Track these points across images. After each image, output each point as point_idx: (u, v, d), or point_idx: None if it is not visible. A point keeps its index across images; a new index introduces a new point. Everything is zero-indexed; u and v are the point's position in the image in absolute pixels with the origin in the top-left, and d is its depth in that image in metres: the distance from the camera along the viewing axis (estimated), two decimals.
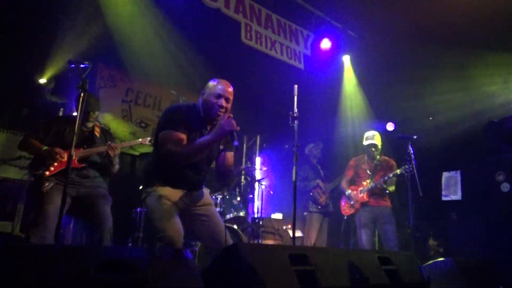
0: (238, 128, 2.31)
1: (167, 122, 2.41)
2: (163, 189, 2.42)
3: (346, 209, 4.67)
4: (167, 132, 2.36)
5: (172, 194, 2.43)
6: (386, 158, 4.65)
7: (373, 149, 4.56)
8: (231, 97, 2.51)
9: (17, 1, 4.33)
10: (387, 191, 4.41)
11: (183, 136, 2.37)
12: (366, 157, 4.66)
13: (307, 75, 6.39)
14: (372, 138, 4.58)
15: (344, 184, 4.74)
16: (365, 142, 4.62)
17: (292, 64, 6.25)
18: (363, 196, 4.46)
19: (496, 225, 4.28)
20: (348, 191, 4.62)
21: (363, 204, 4.47)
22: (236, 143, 2.33)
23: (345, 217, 4.81)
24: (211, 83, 2.53)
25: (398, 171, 4.22)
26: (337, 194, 5.21)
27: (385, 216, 4.36)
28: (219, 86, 2.48)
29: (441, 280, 3.14)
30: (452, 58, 5.90)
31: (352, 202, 4.56)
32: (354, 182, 4.69)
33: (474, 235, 4.55)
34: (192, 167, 2.48)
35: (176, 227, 2.38)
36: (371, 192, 4.45)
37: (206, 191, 2.69)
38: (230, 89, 2.52)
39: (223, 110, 2.46)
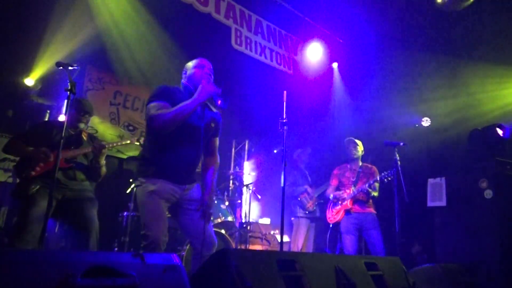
0: (220, 90, 2.39)
1: (152, 97, 2.44)
2: (154, 184, 2.39)
3: (331, 217, 4.70)
4: (151, 104, 2.39)
5: (163, 189, 2.41)
6: (368, 165, 4.71)
7: (352, 146, 4.60)
8: (212, 71, 2.61)
9: (3, 1, 4.27)
10: (372, 196, 4.45)
11: (167, 105, 2.37)
12: (349, 166, 4.70)
13: (296, 81, 6.44)
14: (350, 140, 4.65)
15: (329, 192, 4.77)
16: (346, 142, 4.68)
17: (282, 69, 6.30)
18: (347, 203, 4.50)
19: (479, 231, 4.36)
20: (332, 194, 4.65)
21: (347, 211, 4.50)
22: (220, 103, 2.39)
23: (331, 224, 4.84)
24: (190, 62, 2.68)
25: (377, 177, 4.29)
26: (324, 200, 5.23)
27: (369, 222, 4.39)
28: (199, 60, 2.63)
29: (426, 285, 3.19)
30: (439, 66, 6.01)
31: (338, 206, 4.58)
32: (338, 190, 4.72)
33: (458, 241, 4.61)
34: (182, 152, 2.46)
35: (161, 228, 2.36)
36: (355, 199, 4.48)
37: (198, 185, 2.67)
38: (210, 64, 2.65)
39: (211, 78, 2.55)
